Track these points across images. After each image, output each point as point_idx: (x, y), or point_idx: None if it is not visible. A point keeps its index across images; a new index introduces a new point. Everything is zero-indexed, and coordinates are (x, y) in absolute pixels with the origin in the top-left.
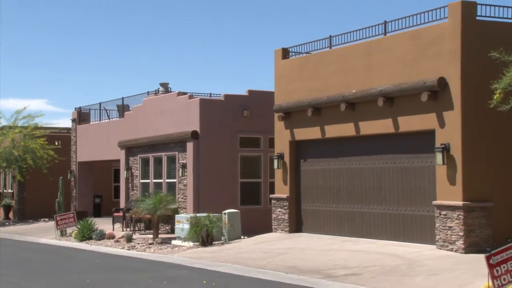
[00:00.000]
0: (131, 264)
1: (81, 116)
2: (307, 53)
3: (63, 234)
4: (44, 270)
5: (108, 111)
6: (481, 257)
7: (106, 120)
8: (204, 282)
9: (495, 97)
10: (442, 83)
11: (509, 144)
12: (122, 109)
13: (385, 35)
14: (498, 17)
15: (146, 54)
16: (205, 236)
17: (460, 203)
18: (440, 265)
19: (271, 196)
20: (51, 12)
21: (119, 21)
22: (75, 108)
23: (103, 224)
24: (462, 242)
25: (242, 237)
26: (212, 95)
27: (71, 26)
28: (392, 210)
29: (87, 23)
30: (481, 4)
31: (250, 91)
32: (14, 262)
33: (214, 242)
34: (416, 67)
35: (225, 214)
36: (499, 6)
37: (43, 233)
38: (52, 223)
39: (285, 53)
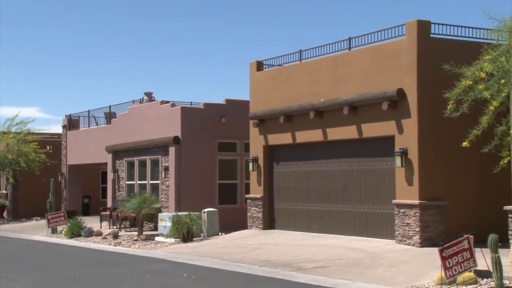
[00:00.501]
0: (117, 259)
1: (71, 123)
2: (279, 65)
3: (54, 231)
4: (36, 265)
5: (96, 118)
6: (435, 251)
7: (94, 127)
8: (185, 275)
9: (449, 107)
10: (401, 93)
11: (459, 148)
12: (109, 116)
13: (350, 49)
14: (450, 35)
15: (132, 65)
16: (185, 233)
17: (416, 202)
18: (399, 258)
19: (247, 196)
20: (41, 24)
21: (106, 34)
22: (66, 116)
23: (91, 222)
24: (419, 237)
25: (220, 233)
26: (192, 103)
27: (60, 38)
28: (356, 209)
29: (76, 36)
30: (435, 23)
31: (227, 100)
32: (8, 257)
33: (194, 238)
34: (378, 79)
35: (204, 212)
36: (450, 25)
37: (35, 231)
38: (43, 222)
39: (260, 66)
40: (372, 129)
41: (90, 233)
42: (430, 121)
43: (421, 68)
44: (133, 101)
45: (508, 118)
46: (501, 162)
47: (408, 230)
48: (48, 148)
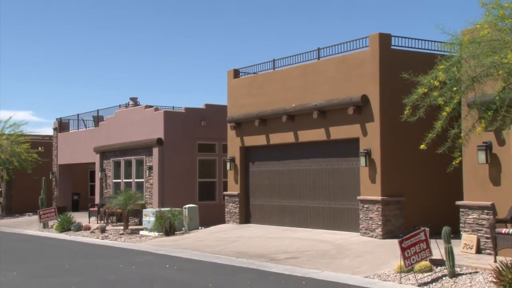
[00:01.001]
0: (104, 251)
1: (62, 125)
2: (254, 73)
3: (45, 226)
4: (28, 257)
5: (85, 121)
6: (395, 242)
7: (83, 129)
8: (167, 266)
9: (406, 112)
10: (365, 99)
11: (417, 149)
12: (97, 119)
13: (319, 59)
14: (408, 47)
15: (119, 72)
16: (168, 227)
17: (379, 198)
18: (363, 249)
19: (225, 193)
20: (33, 37)
21: (94, 43)
22: (56, 119)
23: (80, 217)
24: (381, 230)
25: (200, 227)
26: (174, 107)
27: (51, 48)
28: (325, 204)
29: (65, 46)
30: (395, 36)
31: (207, 105)
32: (2, 250)
33: (176, 232)
34: (344, 86)
35: (185, 208)
36: (409, 38)
37: (28, 226)
38: (35, 217)
39: (236, 73)
40: (339, 132)
41: (79, 228)
42: (391, 125)
43: (383, 76)
44: (119, 106)
45: (459, 122)
46: (454, 162)
47: (371, 224)
48: (40, 148)
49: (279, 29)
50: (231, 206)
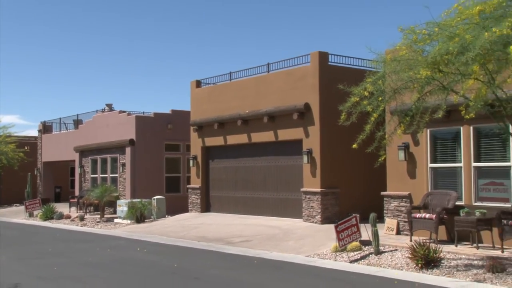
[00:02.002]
0: (83, 237)
1: (45, 128)
2: (214, 83)
3: (31, 215)
4: (16, 242)
5: (66, 124)
6: (332, 227)
7: (64, 131)
8: (138, 249)
9: (342, 117)
10: (307, 107)
11: (350, 149)
12: (77, 122)
13: (269, 72)
14: (343, 63)
15: (96, 79)
16: (139, 216)
17: (318, 189)
18: (305, 232)
19: (188, 186)
20: (18, 42)
21: (72, 51)
22: (41, 122)
23: (62, 208)
24: (320, 216)
25: (166, 216)
26: (145, 113)
27: (34, 54)
28: (274, 195)
29: (47, 53)
30: (332, 54)
31: (173, 110)
32: None
33: (145, 220)
34: (290, 95)
35: (154, 199)
36: (343, 56)
37: (15, 215)
38: (22, 207)
39: (198, 83)
40: (286, 134)
41: (61, 216)
42: (329, 128)
43: (322, 87)
44: (96, 111)
45: (384, 126)
46: (379, 160)
47: (312, 211)
48: (26, 148)
49: (235, 40)
50: (194, 197)
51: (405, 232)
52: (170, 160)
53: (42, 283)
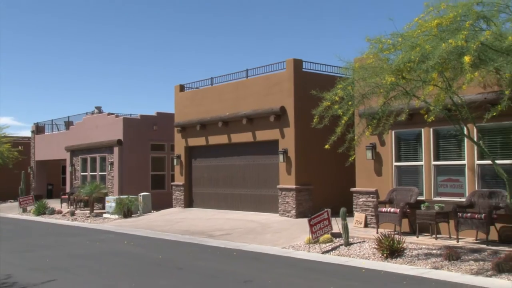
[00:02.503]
0: (74, 231)
1: (38, 129)
2: (196, 88)
3: (24, 211)
4: (10, 236)
5: (57, 125)
6: (305, 220)
7: (56, 132)
8: (125, 242)
9: (314, 120)
10: (283, 110)
11: (323, 149)
12: (68, 124)
13: (247, 78)
14: (317, 70)
15: (86, 82)
16: (126, 211)
17: (293, 186)
18: (281, 226)
19: (172, 183)
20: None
21: (64, 56)
22: (34, 123)
23: (53, 203)
24: (295, 211)
25: (152, 211)
26: (132, 115)
27: (28, 61)
28: (252, 192)
29: (40, 59)
30: (306, 61)
31: (158, 113)
32: None
33: (132, 215)
34: (267, 99)
35: (140, 196)
36: (316, 63)
37: (9, 210)
38: (16, 203)
39: (182, 88)
40: (263, 135)
41: (52, 212)
42: (303, 130)
43: (297, 92)
44: (86, 113)
45: (353, 128)
46: (350, 159)
47: (288, 207)
48: (19, 147)
49: (217, 47)
50: (178, 193)
51: (372, 225)
52: (156, 159)
53: (34, 274)
